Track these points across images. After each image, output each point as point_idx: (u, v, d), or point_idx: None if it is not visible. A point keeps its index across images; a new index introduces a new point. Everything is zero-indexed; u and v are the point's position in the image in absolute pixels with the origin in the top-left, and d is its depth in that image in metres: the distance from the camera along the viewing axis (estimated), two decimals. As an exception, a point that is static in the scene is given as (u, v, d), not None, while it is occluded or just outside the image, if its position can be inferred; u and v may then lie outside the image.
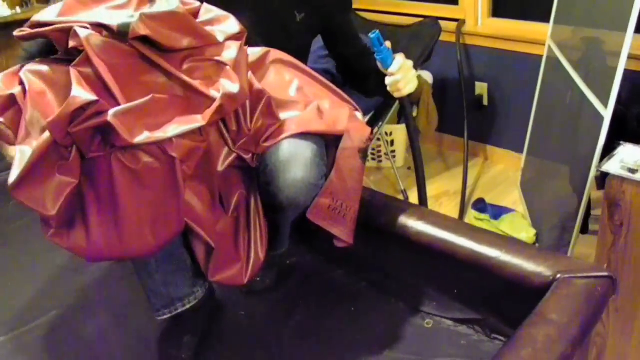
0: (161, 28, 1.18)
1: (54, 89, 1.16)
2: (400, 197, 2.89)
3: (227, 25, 1.33)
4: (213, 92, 1.22)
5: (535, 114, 2.78)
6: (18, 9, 3.55)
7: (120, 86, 1.15)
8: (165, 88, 1.21)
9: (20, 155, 1.13)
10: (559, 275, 1.32)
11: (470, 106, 3.15)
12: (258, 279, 1.80)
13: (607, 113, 1.79)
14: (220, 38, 1.30)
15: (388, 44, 1.57)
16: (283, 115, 1.43)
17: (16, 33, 1.21)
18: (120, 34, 1.16)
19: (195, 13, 1.32)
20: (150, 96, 1.16)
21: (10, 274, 2.00)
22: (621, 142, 1.73)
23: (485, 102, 3.18)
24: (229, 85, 1.24)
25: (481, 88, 3.16)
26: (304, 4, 1.68)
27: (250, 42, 1.42)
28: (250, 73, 1.36)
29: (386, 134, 3.16)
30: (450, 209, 2.85)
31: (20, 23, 1.30)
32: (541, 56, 2.69)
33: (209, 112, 1.21)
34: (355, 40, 1.82)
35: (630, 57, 1.74)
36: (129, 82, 1.17)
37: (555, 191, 2.38)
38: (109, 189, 1.19)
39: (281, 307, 1.76)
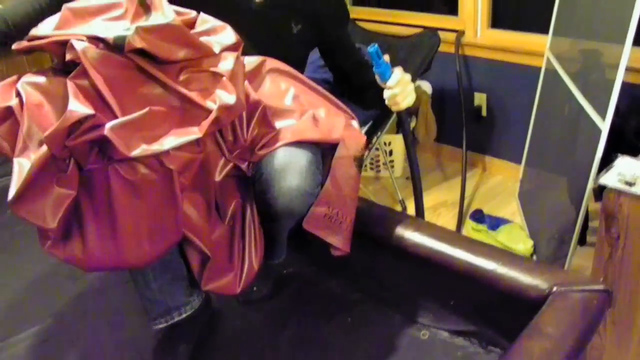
0: (157, 40, 1.19)
1: (52, 101, 1.16)
2: (399, 206, 2.89)
3: (224, 35, 1.33)
4: (209, 104, 1.23)
5: (533, 125, 2.78)
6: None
7: (117, 98, 1.15)
8: (162, 99, 1.21)
9: (19, 168, 1.13)
10: (555, 288, 1.32)
11: (469, 117, 3.15)
12: (255, 288, 1.80)
13: (605, 125, 1.79)
14: (217, 49, 1.30)
15: (387, 57, 1.58)
16: (279, 124, 1.43)
17: (14, 46, 1.22)
18: (116, 47, 1.16)
19: (192, 23, 1.32)
20: (147, 109, 1.17)
21: (6, 280, 2.00)
22: (619, 155, 1.73)
23: (484, 112, 3.18)
24: (226, 96, 1.24)
25: (480, 99, 3.16)
26: (301, 15, 1.68)
27: (246, 53, 1.43)
28: (246, 83, 1.36)
29: (385, 143, 3.16)
30: (448, 220, 2.85)
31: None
32: (540, 67, 2.69)
33: (205, 124, 1.21)
34: (352, 52, 1.82)
35: (628, 69, 1.74)
36: (125, 94, 1.17)
37: (553, 202, 2.38)
38: (107, 200, 1.19)
39: (277, 316, 1.75)
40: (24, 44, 1.21)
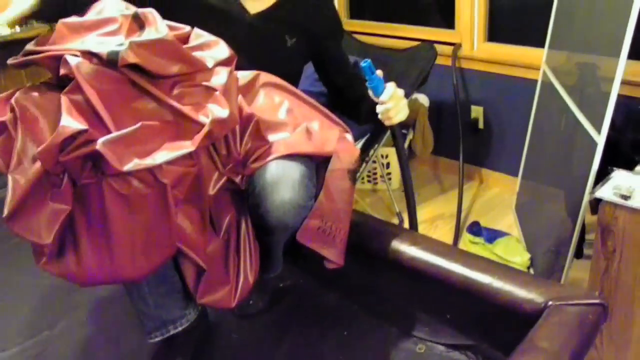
0: (150, 55, 1.19)
1: (46, 116, 1.17)
2: (396, 219, 2.89)
3: (217, 50, 1.34)
4: (202, 118, 1.23)
5: (530, 138, 2.79)
6: (17, 28, 3.56)
7: (111, 112, 1.16)
8: (155, 114, 1.22)
9: (13, 184, 1.13)
10: (550, 302, 1.32)
11: (466, 129, 3.16)
12: (251, 302, 1.79)
13: (601, 139, 1.79)
14: (210, 63, 1.31)
15: (380, 72, 1.58)
16: (272, 137, 1.43)
17: (10, 61, 1.22)
18: (110, 62, 1.17)
19: (185, 38, 1.33)
20: (140, 124, 1.17)
21: (1, 294, 1.99)
22: (614, 168, 1.73)
23: (481, 125, 3.19)
24: (218, 110, 1.25)
25: (477, 111, 3.17)
26: (295, 29, 1.69)
27: (241, 66, 1.43)
28: (240, 97, 1.36)
29: (382, 156, 3.17)
30: (445, 232, 2.85)
31: (19, 42, 1.32)
32: (536, 81, 2.70)
33: (198, 138, 1.22)
34: (346, 66, 1.82)
35: (624, 82, 1.74)
36: (119, 109, 1.18)
37: (550, 215, 2.38)
38: (101, 214, 1.19)
39: (274, 330, 1.75)
40: (19, 58, 1.22)
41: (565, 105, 2.21)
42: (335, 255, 1.48)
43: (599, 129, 1.81)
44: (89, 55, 1.17)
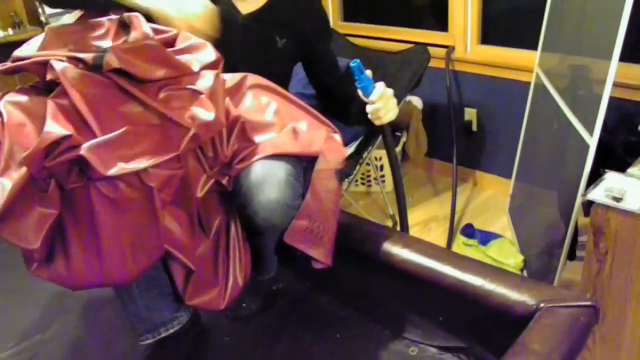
0: (135, 60, 1.20)
1: (34, 120, 1.16)
2: (389, 221, 2.89)
3: (204, 53, 1.34)
4: (188, 121, 1.23)
5: (523, 140, 2.79)
6: (10, 31, 3.57)
7: (97, 117, 1.15)
8: (141, 117, 1.21)
9: (0, 189, 1.13)
10: (542, 305, 1.32)
11: (460, 132, 3.16)
12: (244, 304, 1.79)
13: (593, 141, 1.80)
14: (196, 67, 1.31)
15: (369, 72, 1.58)
16: (258, 138, 1.43)
17: None
18: (95, 67, 1.17)
19: (171, 41, 1.33)
20: (124, 128, 1.17)
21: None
22: (607, 170, 1.74)
23: (475, 127, 3.19)
24: (204, 113, 1.25)
25: (470, 114, 3.17)
26: (286, 30, 1.69)
27: (234, 67, 1.43)
28: (227, 99, 1.36)
29: (375, 158, 3.17)
30: (439, 234, 2.85)
31: (12, 45, 1.32)
32: (529, 83, 2.71)
33: (183, 141, 1.22)
34: (335, 68, 1.82)
35: (616, 84, 1.75)
36: (106, 113, 1.17)
37: (543, 217, 2.38)
38: (89, 218, 1.19)
39: (267, 332, 1.74)
40: (7, 65, 1.22)
41: (558, 107, 2.21)
42: (323, 256, 1.47)
43: (591, 131, 1.81)
44: (74, 60, 1.17)
